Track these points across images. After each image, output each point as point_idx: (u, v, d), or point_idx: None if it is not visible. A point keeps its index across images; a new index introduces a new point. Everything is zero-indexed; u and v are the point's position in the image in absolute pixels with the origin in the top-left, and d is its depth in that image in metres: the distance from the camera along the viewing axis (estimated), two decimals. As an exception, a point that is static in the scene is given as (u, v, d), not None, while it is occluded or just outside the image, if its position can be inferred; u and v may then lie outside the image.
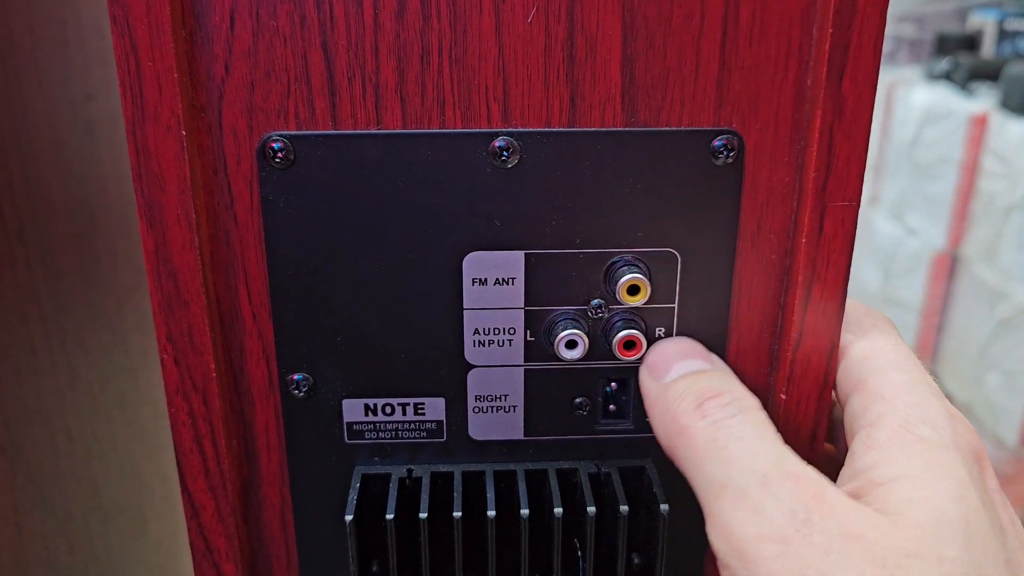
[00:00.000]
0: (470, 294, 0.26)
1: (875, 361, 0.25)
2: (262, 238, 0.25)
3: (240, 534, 0.27)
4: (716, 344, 0.27)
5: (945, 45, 1.77)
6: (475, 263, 0.26)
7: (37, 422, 0.35)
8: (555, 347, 0.26)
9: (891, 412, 0.23)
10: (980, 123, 1.47)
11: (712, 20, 0.23)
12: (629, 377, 0.27)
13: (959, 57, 1.64)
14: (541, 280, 0.26)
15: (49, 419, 0.36)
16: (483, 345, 0.26)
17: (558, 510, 0.26)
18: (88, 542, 0.40)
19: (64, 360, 0.37)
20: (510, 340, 0.26)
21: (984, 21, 1.78)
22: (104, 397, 0.41)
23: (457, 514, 0.26)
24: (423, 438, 0.27)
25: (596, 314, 0.26)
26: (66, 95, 0.37)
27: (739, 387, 0.25)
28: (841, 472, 0.23)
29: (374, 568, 0.28)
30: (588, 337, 0.26)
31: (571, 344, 0.26)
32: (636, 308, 0.26)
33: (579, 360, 0.26)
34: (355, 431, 0.27)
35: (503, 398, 0.27)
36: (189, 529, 0.27)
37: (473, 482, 0.27)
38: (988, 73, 1.57)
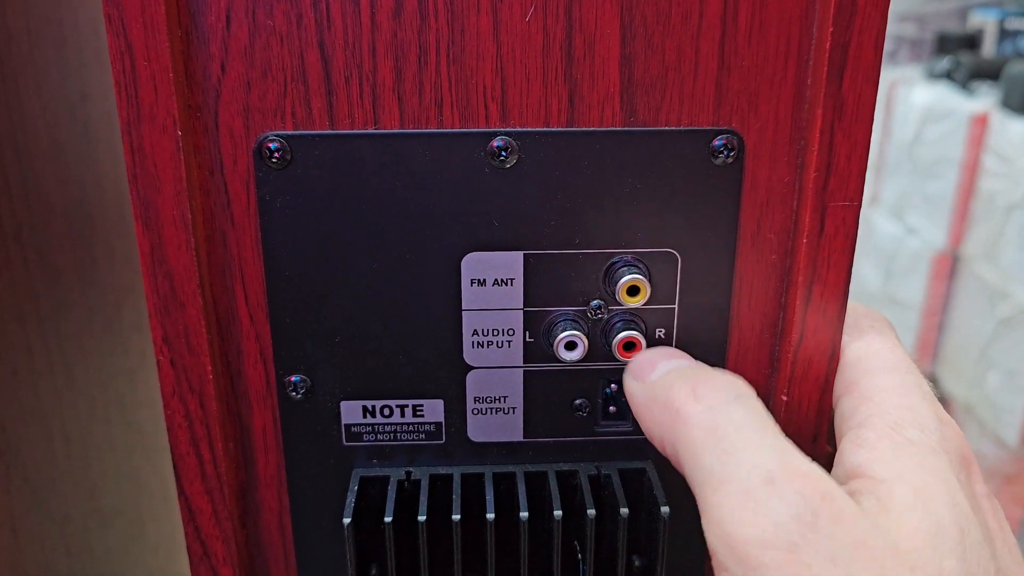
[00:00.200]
0: (469, 295, 0.26)
1: (868, 363, 0.25)
2: (259, 239, 0.25)
3: (238, 537, 0.27)
4: (716, 345, 0.26)
5: (946, 44, 1.77)
6: (473, 264, 0.25)
7: (34, 423, 0.35)
8: (554, 348, 0.26)
9: (880, 414, 0.23)
10: (981, 122, 1.46)
11: (711, 19, 0.23)
12: (629, 378, 0.27)
13: (960, 56, 1.64)
14: (540, 281, 0.26)
15: (46, 420, 0.36)
16: (482, 346, 0.26)
17: (558, 512, 0.26)
18: (86, 545, 0.39)
19: (62, 361, 0.37)
20: (509, 341, 0.26)
21: (985, 20, 1.78)
22: (102, 398, 0.41)
23: (456, 517, 0.26)
24: (422, 440, 0.27)
25: (596, 315, 0.26)
26: (64, 95, 0.37)
27: (731, 377, 0.24)
28: (832, 472, 0.23)
29: (373, 571, 0.27)
30: (588, 338, 0.26)
31: (571, 345, 0.26)
32: (636, 309, 0.26)
33: (579, 361, 0.26)
34: (353, 433, 0.27)
35: (502, 400, 0.27)
36: (186, 533, 0.27)
37: (472, 484, 0.27)
38: (989, 72, 1.57)
